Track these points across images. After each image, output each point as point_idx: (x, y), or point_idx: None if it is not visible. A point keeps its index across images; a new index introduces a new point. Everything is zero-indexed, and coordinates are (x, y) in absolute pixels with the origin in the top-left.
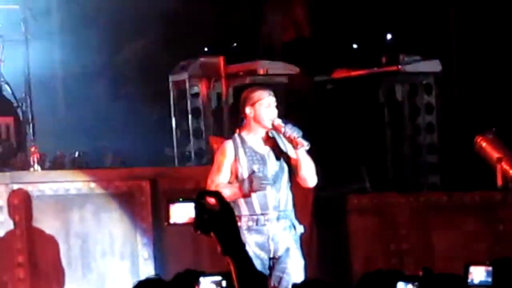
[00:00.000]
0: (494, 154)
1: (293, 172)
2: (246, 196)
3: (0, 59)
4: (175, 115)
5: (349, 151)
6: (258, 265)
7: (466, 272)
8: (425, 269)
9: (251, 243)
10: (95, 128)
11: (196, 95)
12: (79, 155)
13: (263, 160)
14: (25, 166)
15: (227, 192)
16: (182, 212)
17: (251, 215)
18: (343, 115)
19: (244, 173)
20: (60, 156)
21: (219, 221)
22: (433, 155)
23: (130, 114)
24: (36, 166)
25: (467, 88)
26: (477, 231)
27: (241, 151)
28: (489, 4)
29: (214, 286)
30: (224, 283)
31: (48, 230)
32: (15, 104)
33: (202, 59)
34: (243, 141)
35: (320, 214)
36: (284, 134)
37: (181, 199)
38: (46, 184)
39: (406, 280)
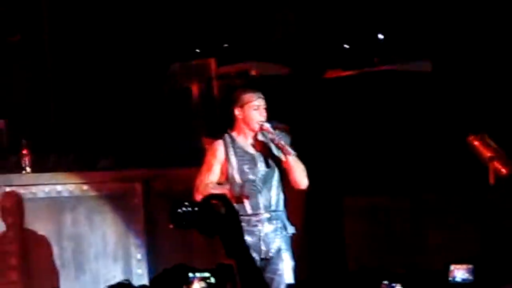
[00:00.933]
0: (486, 153)
1: (284, 173)
2: (236, 199)
3: None
4: (167, 116)
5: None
6: None
7: (447, 270)
8: (408, 267)
9: (248, 243)
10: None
11: (188, 96)
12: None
13: (253, 161)
14: (17, 168)
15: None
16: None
17: (242, 215)
18: (335, 115)
19: (234, 173)
20: None
21: (225, 224)
22: (425, 156)
23: (123, 114)
24: (28, 169)
25: (458, 88)
26: (468, 230)
27: (231, 151)
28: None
29: (202, 283)
30: (212, 280)
31: (40, 233)
32: None
33: (194, 60)
34: (233, 141)
35: (312, 215)
36: (272, 141)
37: (186, 203)
38: (38, 187)
39: (390, 278)
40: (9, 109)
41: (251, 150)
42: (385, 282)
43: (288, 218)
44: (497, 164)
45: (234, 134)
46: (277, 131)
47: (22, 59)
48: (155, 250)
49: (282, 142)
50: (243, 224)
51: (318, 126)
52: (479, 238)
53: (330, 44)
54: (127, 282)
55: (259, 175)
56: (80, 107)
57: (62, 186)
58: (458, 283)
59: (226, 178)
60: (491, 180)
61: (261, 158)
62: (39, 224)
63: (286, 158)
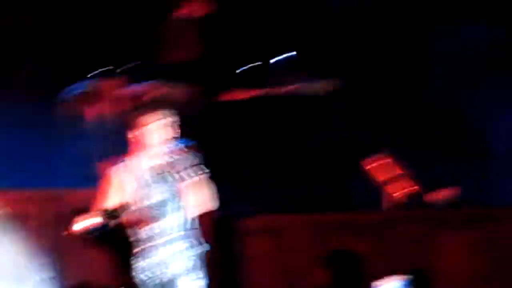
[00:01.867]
0: (380, 177)
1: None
2: (135, 224)
3: None
4: (64, 138)
5: (244, 170)
6: None
7: None
8: None
9: (144, 268)
10: None
11: (84, 118)
12: None
13: (150, 186)
14: None
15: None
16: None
17: (141, 241)
18: (239, 136)
19: (130, 199)
20: None
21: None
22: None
23: (20, 135)
24: None
25: (360, 107)
26: (371, 250)
27: (126, 176)
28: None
29: None
30: None
31: None
32: None
33: (91, 81)
34: (129, 166)
35: (217, 235)
36: (171, 165)
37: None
38: None
39: None
40: None
41: (147, 175)
42: None
43: (200, 236)
44: (390, 189)
45: (130, 158)
46: (182, 154)
47: None
48: (61, 269)
49: (181, 167)
50: (142, 248)
51: (217, 146)
52: (380, 258)
53: (230, 66)
54: None
55: (158, 199)
56: None
57: None
58: None
59: (124, 204)
60: (384, 204)
61: (159, 183)
62: None
63: (181, 183)
